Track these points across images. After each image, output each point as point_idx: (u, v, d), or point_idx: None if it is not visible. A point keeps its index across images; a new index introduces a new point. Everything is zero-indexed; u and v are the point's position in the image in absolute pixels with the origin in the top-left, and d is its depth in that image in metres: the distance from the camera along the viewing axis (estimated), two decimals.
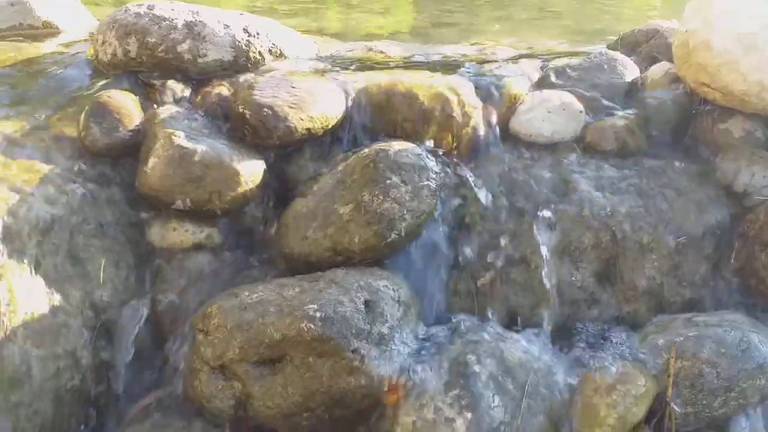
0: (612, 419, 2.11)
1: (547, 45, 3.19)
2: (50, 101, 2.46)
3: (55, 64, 2.69)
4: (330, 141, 2.43)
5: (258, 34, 2.66)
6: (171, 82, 2.52)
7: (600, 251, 2.36)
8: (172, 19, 2.56)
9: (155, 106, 2.45)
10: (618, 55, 2.75)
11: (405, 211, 2.23)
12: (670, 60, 2.66)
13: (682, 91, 2.60)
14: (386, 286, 2.18)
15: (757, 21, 2.40)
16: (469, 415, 2.03)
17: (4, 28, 3.02)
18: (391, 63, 2.78)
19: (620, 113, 2.55)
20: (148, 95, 2.49)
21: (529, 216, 2.35)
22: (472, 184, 2.36)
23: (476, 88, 2.53)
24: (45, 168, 2.23)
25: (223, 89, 2.51)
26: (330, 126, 2.40)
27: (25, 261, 2.06)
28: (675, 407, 2.16)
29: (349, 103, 2.45)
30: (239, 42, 2.60)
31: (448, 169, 2.37)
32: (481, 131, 2.47)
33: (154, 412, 2.14)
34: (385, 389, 2.08)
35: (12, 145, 2.26)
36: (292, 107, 2.36)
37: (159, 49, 2.53)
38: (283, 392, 2.06)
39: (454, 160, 2.41)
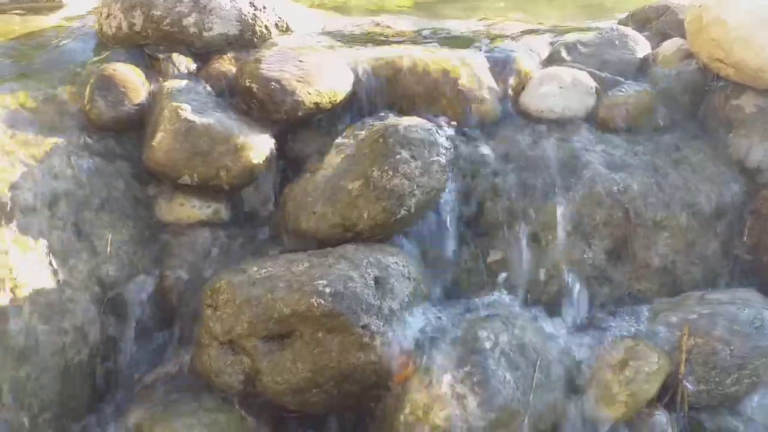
0: (624, 396, 2.10)
1: (555, 21, 3.15)
2: (55, 74, 2.43)
3: (59, 37, 2.65)
4: (338, 116, 2.40)
5: (264, 7, 2.62)
6: (176, 56, 2.49)
7: (612, 228, 2.34)
8: None
9: (161, 79, 2.42)
10: (629, 30, 2.72)
11: (415, 187, 2.20)
12: (682, 36, 2.64)
13: (694, 67, 2.58)
14: (396, 262, 2.16)
15: None
16: (480, 391, 2.01)
17: (6, 2, 2.99)
18: (399, 37, 2.75)
19: (632, 89, 2.52)
20: (154, 69, 2.46)
21: (540, 192, 2.33)
22: (483, 160, 2.33)
23: (487, 63, 2.50)
24: (50, 141, 2.20)
25: (230, 63, 2.48)
26: (338, 101, 2.37)
27: (31, 235, 2.04)
28: (687, 385, 2.15)
29: (358, 78, 2.41)
30: (245, 15, 2.57)
31: (458, 145, 2.34)
32: (492, 106, 2.44)
33: (161, 388, 2.13)
34: (395, 365, 2.06)
35: (17, 118, 2.23)
36: (299, 81, 2.32)
37: (164, 23, 2.50)
38: (292, 368, 2.05)
39: (465, 135, 2.38)
